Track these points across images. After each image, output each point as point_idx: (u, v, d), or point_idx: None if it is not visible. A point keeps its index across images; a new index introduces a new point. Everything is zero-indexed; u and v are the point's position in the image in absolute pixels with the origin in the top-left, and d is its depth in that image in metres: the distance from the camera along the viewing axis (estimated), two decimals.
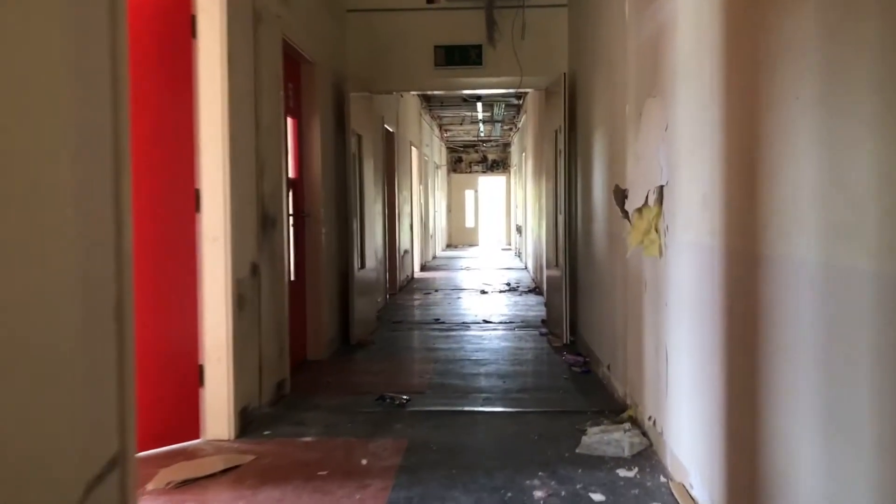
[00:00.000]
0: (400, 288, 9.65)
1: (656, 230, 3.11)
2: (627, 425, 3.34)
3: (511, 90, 8.10)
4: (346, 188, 5.64)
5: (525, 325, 6.63)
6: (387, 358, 5.30)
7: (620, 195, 3.78)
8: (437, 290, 9.56)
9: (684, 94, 2.71)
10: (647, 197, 3.25)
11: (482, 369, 4.81)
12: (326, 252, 5.25)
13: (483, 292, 9.26)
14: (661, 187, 3.01)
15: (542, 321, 6.69)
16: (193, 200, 3.29)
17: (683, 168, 2.71)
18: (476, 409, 3.87)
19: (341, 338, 5.71)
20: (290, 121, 4.91)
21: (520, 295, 9.05)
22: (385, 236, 8.33)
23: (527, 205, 12.60)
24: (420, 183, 12.80)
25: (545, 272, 7.88)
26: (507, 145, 21.12)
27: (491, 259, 15.54)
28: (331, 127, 5.56)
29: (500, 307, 7.91)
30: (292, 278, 4.92)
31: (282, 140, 4.10)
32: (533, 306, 8.00)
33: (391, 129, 8.99)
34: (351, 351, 5.51)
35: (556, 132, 5.86)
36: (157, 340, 3.16)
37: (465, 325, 6.61)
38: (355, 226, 5.74)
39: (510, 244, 20.18)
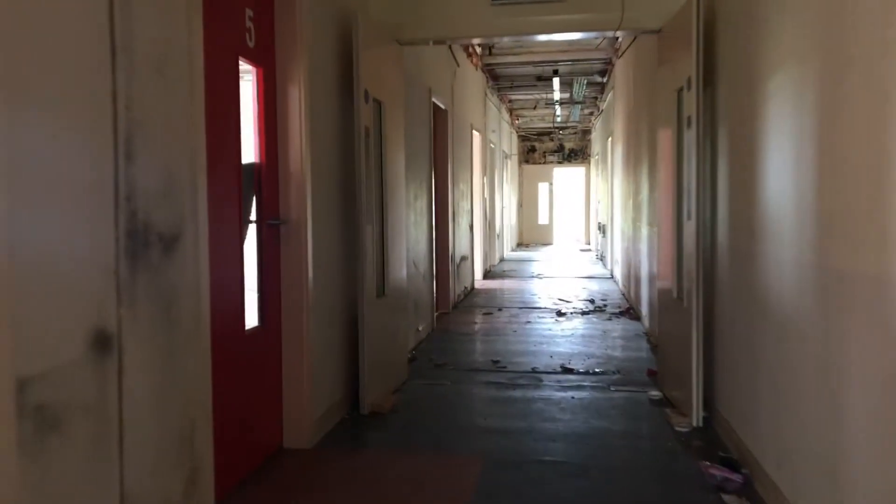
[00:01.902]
0: (454, 305, 7.72)
1: None
2: None
3: (604, 35, 5.93)
4: (356, 181, 3.74)
5: (624, 379, 4.55)
6: (409, 449, 3.38)
7: None
8: (500, 309, 7.57)
9: None
10: None
11: (560, 487, 2.82)
12: (321, 277, 3.39)
13: (560, 314, 7.21)
14: None
15: (650, 373, 4.60)
16: None
17: None
18: None
19: (350, 403, 3.84)
20: (251, 69, 3.05)
21: (608, 319, 6.94)
22: (432, 242, 6.40)
23: (613, 200, 10.39)
24: (485, 174, 10.83)
25: (648, 298, 5.77)
26: (586, 132, 18.81)
27: (568, 263, 13.39)
28: (331, 88, 3.67)
29: (585, 341, 5.85)
30: (254, 324, 3.07)
31: (197, 89, 2.22)
32: (630, 340, 5.90)
33: (442, 106, 7.05)
34: (358, 429, 3.62)
35: (678, 92, 3.77)
36: None
37: (536, 377, 4.61)
38: (371, 236, 3.85)
39: (590, 244, 17.89)
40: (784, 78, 2.50)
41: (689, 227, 3.52)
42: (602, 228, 13.08)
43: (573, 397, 4.12)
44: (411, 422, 3.74)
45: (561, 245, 18.79)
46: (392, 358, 4.24)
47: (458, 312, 7.44)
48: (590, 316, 7.11)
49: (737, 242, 3.12)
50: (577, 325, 6.62)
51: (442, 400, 4.15)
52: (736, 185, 3.14)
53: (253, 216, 3.10)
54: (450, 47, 7.43)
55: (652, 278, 5.98)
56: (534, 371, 4.77)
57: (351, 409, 3.83)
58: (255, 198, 3.09)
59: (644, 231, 6.53)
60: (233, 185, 2.78)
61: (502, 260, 13.76)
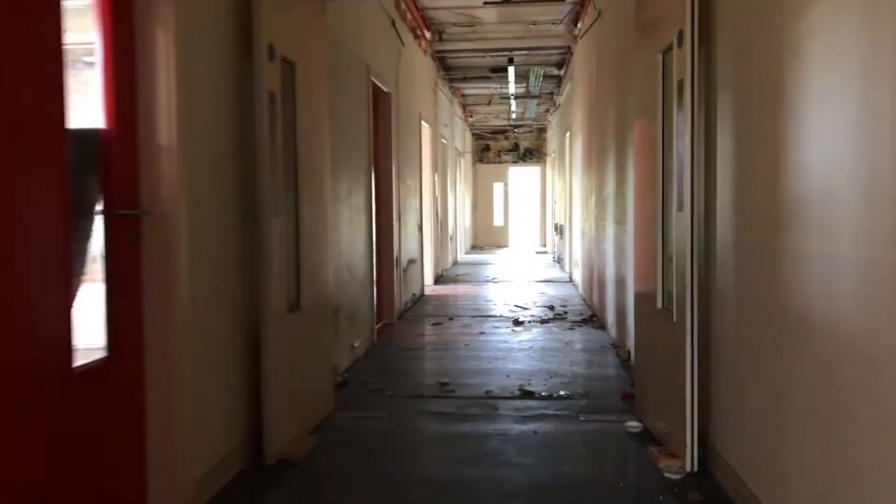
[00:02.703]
0: (400, 314, 6.90)
1: None
2: None
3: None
4: (256, 161, 2.89)
5: (594, 405, 3.81)
6: None
7: None
8: (451, 319, 6.78)
9: None
10: None
11: None
12: (203, 286, 2.53)
13: (517, 323, 6.46)
14: None
15: (625, 396, 3.87)
16: None
17: None
18: None
19: (253, 448, 2.97)
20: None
21: (570, 328, 6.22)
22: (373, 244, 5.57)
23: (572, 199, 9.74)
24: (436, 171, 10.05)
25: (615, 305, 5.06)
26: (542, 131, 18.24)
27: (524, 266, 12.71)
28: (225, 41, 2.82)
29: (546, 355, 5.10)
30: (98, 356, 2.21)
31: None
32: (596, 353, 5.18)
33: (385, 89, 6.23)
34: (259, 486, 2.76)
35: (663, 55, 3.05)
36: None
37: (490, 404, 3.82)
38: (279, 233, 3.01)
39: (546, 246, 17.31)
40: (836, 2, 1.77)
41: (682, 221, 2.79)
42: (559, 229, 12.45)
43: (535, 431, 3.34)
44: (329, 474, 2.90)
45: (516, 247, 18.15)
46: (311, 386, 3.39)
47: (403, 323, 6.62)
48: (550, 325, 6.38)
49: (748, 237, 2.40)
50: (536, 335, 5.88)
51: (373, 440, 3.32)
52: (746, 164, 2.41)
53: (99, 206, 2.23)
54: (393, 24, 6.63)
55: (619, 282, 5.28)
56: (488, 395, 3.99)
57: (255, 455, 2.97)
58: (97, 179, 2.22)
59: (610, 230, 5.84)
60: (49, 160, 1.90)
61: (455, 263, 13.00)
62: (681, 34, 2.74)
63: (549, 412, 3.66)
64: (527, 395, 3.99)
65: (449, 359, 5.10)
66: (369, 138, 5.48)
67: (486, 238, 18.84)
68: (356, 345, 4.95)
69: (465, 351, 5.28)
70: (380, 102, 6.34)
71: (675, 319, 2.87)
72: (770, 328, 2.20)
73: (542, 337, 5.80)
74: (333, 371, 4.19)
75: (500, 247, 18.34)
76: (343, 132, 4.71)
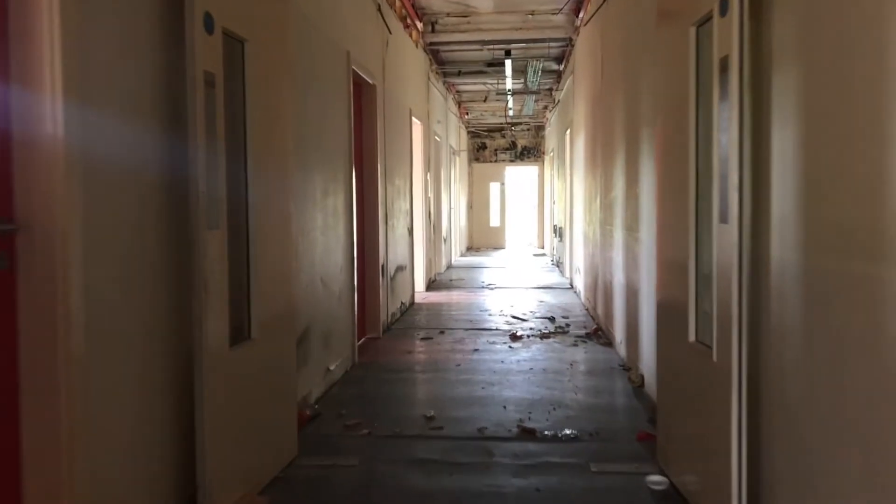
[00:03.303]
0: (387, 327, 6.31)
1: None
2: None
3: None
4: (188, 157, 2.29)
5: (607, 450, 3.22)
6: None
7: None
8: (443, 332, 6.19)
9: None
10: None
11: None
12: (103, 326, 1.94)
13: (515, 338, 5.87)
14: None
15: (643, 437, 3.28)
16: None
17: None
18: None
19: None
20: None
21: (574, 344, 5.64)
22: (354, 251, 4.98)
23: (573, 200, 9.16)
24: (428, 170, 9.45)
25: (625, 320, 4.45)
26: (540, 128, 17.65)
27: (522, 270, 12.11)
28: (151, 10, 2.22)
29: (548, 379, 4.51)
30: None
31: None
32: (604, 377, 4.59)
33: (369, 80, 5.64)
34: None
35: (697, 29, 2.47)
36: None
37: (484, 448, 3.23)
38: (219, 247, 2.41)
39: (544, 248, 16.73)
40: None
41: (725, 236, 2.20)
42: (558, 232, 11.87)
43: (538, 489, 2.76)
44: None
45: (513, 249, 17.56)
46: (265, 432, 2.79)
47: (390, 337, 6.03)
48: (551, 340, 5.80)
49: (825, 263, 1.81)
50: (535, 353, 5.29)
51: (340, 499, 2.72)
52: (822, 165, 1.82)
53: None
54: (379, 9, 6.03)
55: (630, 295, 4.70)
56: (481, 434, 3.40)
57: None
58: None
59: (618, 236, 5.26)
60: None
61: (449, 267, 12.41)
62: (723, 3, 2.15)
63: (553, 459, 3.07)
64: (527, 434, 3.41)
65: (437, 383, 4.51)
66: (350, 133, 4.89)
67: (482, 239, 18.24)
68: (332, 368, 4.36)
69: (456, 373, 4.69)
70: (364, 95, 5.74)
71: (715, 358, 2.28)
72: (862, 383, 1.61)
73: (542, 355, 5.22)
74: (303, 403, 3.60)
75: (496, 248, 17.75)
76: (318, 125, 4.12)
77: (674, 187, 2.76)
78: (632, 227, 4.67)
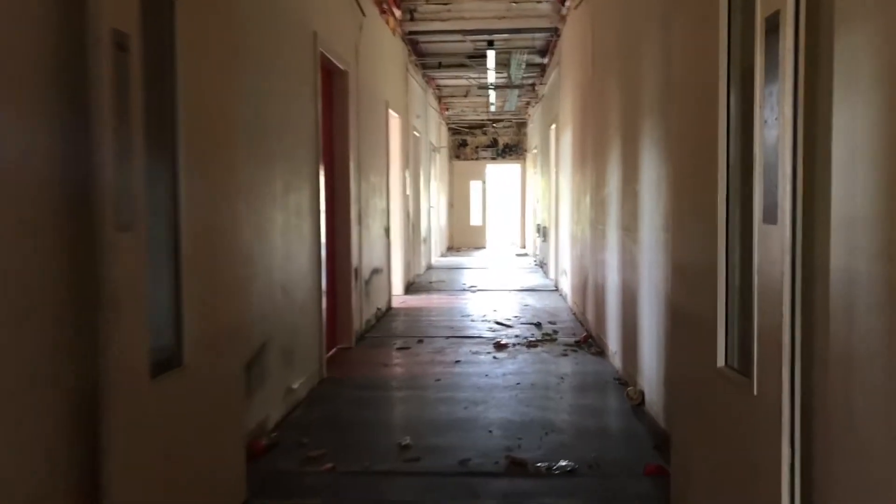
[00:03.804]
0: (361, 335, 5.81)
1: None
2: None
3: None
4: (90, 143, 1.79)
5: (610, 489, 2.77)
6: None
7: None
8: (421, 341, 5.71)
9: None
10: None
11: None
12: None
13: (500, 346, 5.41)
14: None
15: (652, 470, 2.84)
16: None
17: None
18: None
19: None
20: None
21: (563, 353, 5.19)
22: (322, 254, 4.49)
23: (558, 198, 8.73)
24: (406, 167, 8.96)
25: (620, 328, 3.98)
26: (522, 125, 17.24)
27: (504, 271, 11.67)
28: None
29: (537, 396, 4.06)
30: None
31: None
32: (599, 392, 4.15)
33: (340, 66, 5.14)
34: None
35: None
36: None
37: (467, 485, 2.76)
38: (121, 258, 1.91)
39: (526, 248, 16.32)
40: None
41: (772, 239, 1.75)
42: (542, 232, 11.45)
43: None
44: None
45: (495, 249, 17.12)
46: (201, 481, 2.29)
47: (364, 347, 5.53)
48: (538, 349, 5.35)
49: None
50: (522, 365, 4.83)
51: None
52: None
53: None
54: None
55: (627, 301, 4.27)
56: (464, 468, 2.93)
57: None
58: None
59: (612, 237, 4.82)
60: None
61: (429, 268, 11.93)
62: None
63: (548, 501, 2.61)
64: (517, 466, 2.94)
65: (415, 402, 4.03)
66: (317, 122, 4.39)
67: (463, 239, 17.79)
68: (295, 386, 3.86)
69: (435, 390, 4.21)
70: (335, 81, 5.25)
71: (756, 391, 1.83)
72: None
73: (530, 367, 4.76)
74: (259, 430, 3.11)
75: (477, 248, 17.30)
76: (278, 111, 3.62)
77: (696, 180, 2.31)
78: (629, 227, 4.23)
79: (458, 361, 4.94)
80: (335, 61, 4.97)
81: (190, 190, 2.19)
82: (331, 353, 5.10)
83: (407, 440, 3.25)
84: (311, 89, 4.29)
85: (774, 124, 1.73)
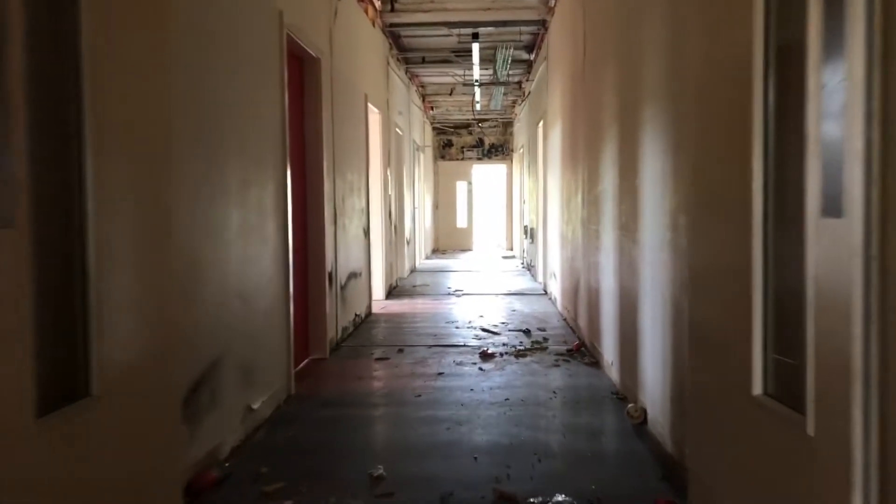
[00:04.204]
0: (336, 344, 5.39)
1: None
2: None
3: None
4: None
5: None
6: None
7: None
8: (401, 350, 5.29)
9: None
10: None
11: None
12: None
13: (487, 356, 5.01)
14: None
15: None
16: None
17: None
18: None
19: None
20: None
21: (555, 363, 4.79)
22: (287, 257, 4.06)
23: (547, 198, 8.35)
24: (388, 165, 8.54)
25: (617, 336, 3.56)
26: (508, 125, 16.88)
27: (491, 274, 11.27)
28: None
29: (528, 415, 3.66)
30: None
31: None
32: (596, 408, 3.75)
33: (312, 52, 4.72)
34: None
35: None
36: None
37: None
38: (2, 255, 1.48)
39: (513, 250, 15.95)
40: None
41: (835, 237, 1.36)
42: (530, 233, 11.07)
43: None
44: None
45: (481, 251, 16.73)
46: None
47: (339, 358, 5.11)
48: (528, 359, 4.95)
49: None
50: (511, 377, 4.43)
51: None
52: None
53: None
54: None
55: (626, 308, 3.89)
56: None
57: None
58: None
59: (608, 238, 4.44)
60: None
61: (413, 271, 11.51)
62: None
63: None
64: (506, 503, 2.54)
65: (391, 422, 3.62)
66: (283, 110, 3.96)
67: (449, 241, 17.38)
68: (256, 406, 3.43)
69: (415, 407, 3.80)
70: (305, 68, 4.82)
71: (812, 430, 1.44)
72: None
73: (519, 380, 4.36)
74: (209, 459, 2.68)
75: (463, 250, 16.90)
76: (233, 94, 3.20)
77: (721, 169, 1.92)
78: (628, 227, 3.85)
79: (440, 374, 4.52)
80: (306, 47, 4.55)
81: (101, 178, 1.76)
82: (301, 365, 4.67)
83: (380, 470, 2.83)
84: (276, 75, 3.86)
85: (839, 88, 1.34)
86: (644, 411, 3.46)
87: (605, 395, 4.01)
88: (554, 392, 4.08)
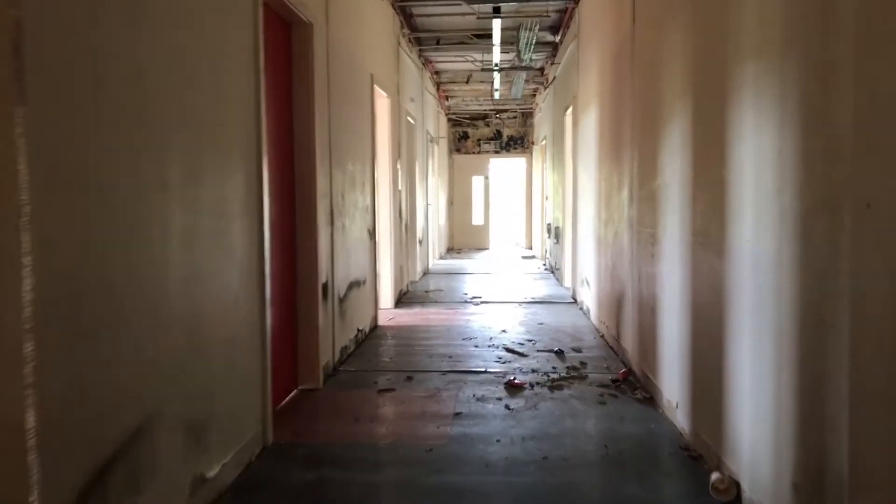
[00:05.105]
0: (332, 369, 4.50)
1: None
2: None
3: None
4: None
5: None
6: None
7: None
8: (410, 378, 4.39)
9: None
10: None
11: None
12: None
13: (513, 388, 4.10)
14: None
15: None
16: None
17: None
18: None
19: None
20: None
21: (600, 400, 3.87)
22: (263, 268, 3.16)
23: (576, 194, 7.40)
24: (398, 157, 7.64)
25: (686, 372, 2.58)
26: (527, 116, 15.92)
27: (511, 277, 10.33)
28: None
29: (576, 485, 2.74)
30: None
31: None
32: (660, 471, 2.82)
33: (304, 17, 3.82)
34: None
35: None
36: None
37: None
38: None
39: (533, 249, 15.01)
40: None
41: None
42: (554, 232, 10.12)
43: None
44: None
45: (499, 250, 15.78)
46: None
47: (335, 387, 4.22)
48: (565, 392, 4.03)
49: None
50: (546, 421, 3.51)
51: None
52: None
53: None
54: None
55: (701, 335, 2.97)
56: None
57: None
58: None
59: (671, 244, 3.50)
60: None
61: (426, 273, 10.60)
62: None
63: None
64: None
65: (393, 497, 2.72)
66: (258, 83, 3.07)
67: (464, 239, 16.46)
68: (212, 474, 2.55)
69: (426, 469, 2.89)
70: (294, 34, 3.93)
71: None
72: None
73: (557, 425, 3.44)
74: None
75: (479, 249, 15.96)
76: (178, 50, 2.30)
77: None
78: (707, 232, 2.91)
79: (458, 414, 3.62)
80: (293, 7, 3.65)
81: None
82: (287, 399, 3.80)
83: None
84: (247, 31, 2.97)
85: None
86: (737, 485, 2.54)
87: (670, 450, 3.09)
88: (605, 447, 3.15)
